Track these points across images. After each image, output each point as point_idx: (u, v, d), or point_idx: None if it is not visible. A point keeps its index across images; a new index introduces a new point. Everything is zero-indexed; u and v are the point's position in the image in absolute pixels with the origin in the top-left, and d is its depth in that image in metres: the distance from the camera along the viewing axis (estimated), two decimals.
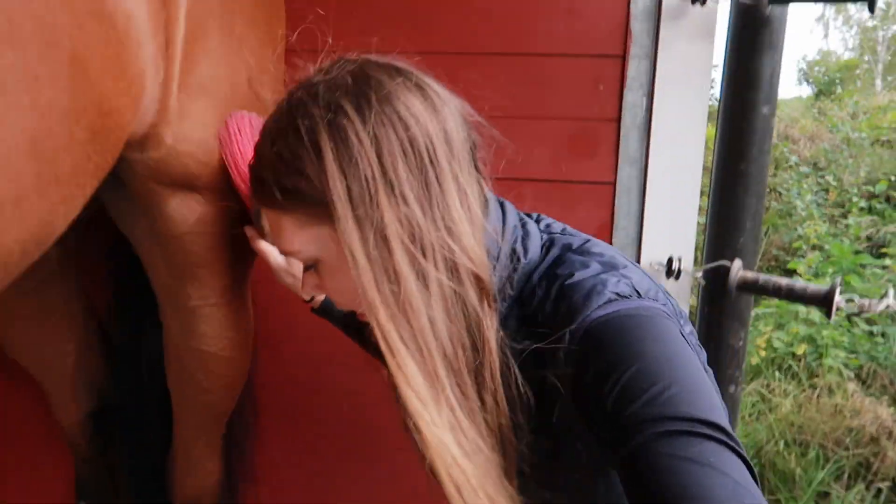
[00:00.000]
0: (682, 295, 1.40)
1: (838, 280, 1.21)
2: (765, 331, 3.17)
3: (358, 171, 0.59)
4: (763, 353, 3.10)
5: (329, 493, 1.64)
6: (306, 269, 0.70)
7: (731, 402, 1.39)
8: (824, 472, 2.47)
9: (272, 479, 1.65)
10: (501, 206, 0.73)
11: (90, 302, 1.40)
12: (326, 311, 1.07)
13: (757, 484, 0.51)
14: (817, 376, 2.85)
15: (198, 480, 1.24)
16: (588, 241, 0.71)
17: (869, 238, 4.16)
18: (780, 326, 3.21)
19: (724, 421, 0.53)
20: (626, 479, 0.54)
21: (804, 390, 2.77)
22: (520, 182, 1.42)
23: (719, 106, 1.33)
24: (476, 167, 0.68)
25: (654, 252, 1.39)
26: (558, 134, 1.39)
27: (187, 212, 0.97)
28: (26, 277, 1.22)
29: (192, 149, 0.93)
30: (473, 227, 0.64)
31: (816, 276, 3.61)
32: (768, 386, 2.85)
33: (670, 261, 1.33)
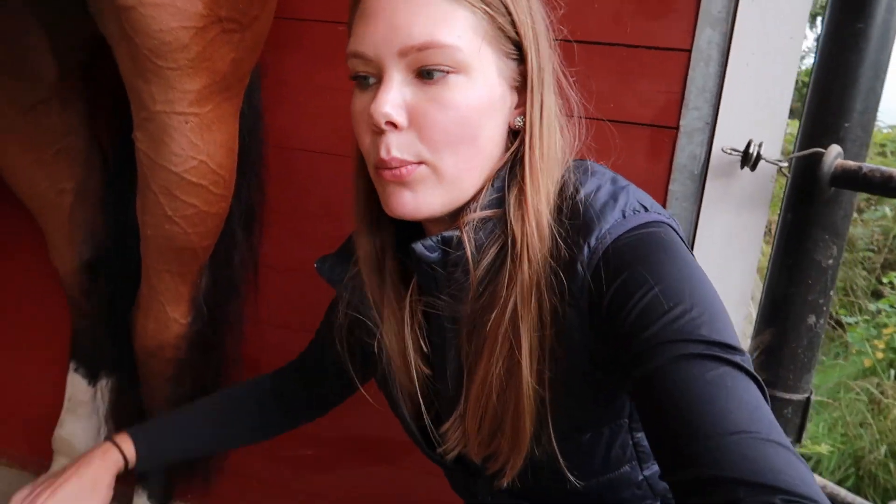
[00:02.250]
0: (761, 194, 1.12)
1: None
2: (886, 329, 2.71)
3: (546, 35, 0.70)
4: (881, 355, 2.64)
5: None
6: (422, 77, 0.62)
7: (808, 337, 1.10)
8: None
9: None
10: None
11: (95, 139, 1.31)
12: None
13: (768, 404, 0.51)
14: None
15: (158, 326, 1.11)
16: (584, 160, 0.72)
17: None
18: None
19: (738, 342, 0.54)
20: (640, 401, 0.55)
21: None
22: (569, 45, 1.18)
23: None
24: None
25: (731, 137, 1.11)
26: None
27: None
28: (20, 89, 1.15)
29: None
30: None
31: None
32: (879, 386, 2.41)
33: (749, 144, 1.06)
